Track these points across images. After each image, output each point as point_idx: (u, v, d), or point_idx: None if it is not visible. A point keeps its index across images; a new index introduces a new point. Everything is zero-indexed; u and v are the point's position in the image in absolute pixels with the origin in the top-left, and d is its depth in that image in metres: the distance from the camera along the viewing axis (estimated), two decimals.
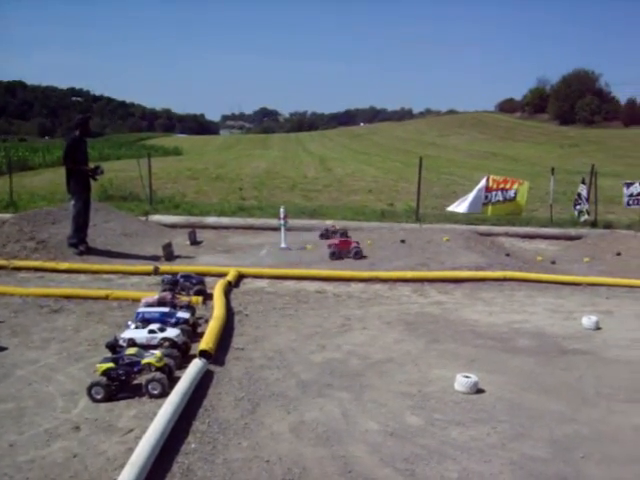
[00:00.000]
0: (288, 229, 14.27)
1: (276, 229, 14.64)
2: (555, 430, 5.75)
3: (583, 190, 18.30)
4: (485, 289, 11.01)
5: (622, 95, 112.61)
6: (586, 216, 18.09)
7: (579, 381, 7.01)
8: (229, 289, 10.21)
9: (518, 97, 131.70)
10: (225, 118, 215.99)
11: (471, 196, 16.95)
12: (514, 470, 5.02)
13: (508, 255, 13.34)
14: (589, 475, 5.03)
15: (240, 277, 11.08)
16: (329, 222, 16.46)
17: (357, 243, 13.42)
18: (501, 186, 17.25)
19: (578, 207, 18.37)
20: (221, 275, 10.79)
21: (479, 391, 6.46)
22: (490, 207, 17.17)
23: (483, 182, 17.10)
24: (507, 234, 15.97)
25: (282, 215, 13.92)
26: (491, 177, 17.44)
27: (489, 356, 7.67)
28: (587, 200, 18.25)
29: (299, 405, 6.02)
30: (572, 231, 16.93)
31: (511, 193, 17.27)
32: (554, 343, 8.33)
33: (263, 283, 10.95)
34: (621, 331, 9.04)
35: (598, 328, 8.98)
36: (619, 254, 13.74)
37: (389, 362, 7.30)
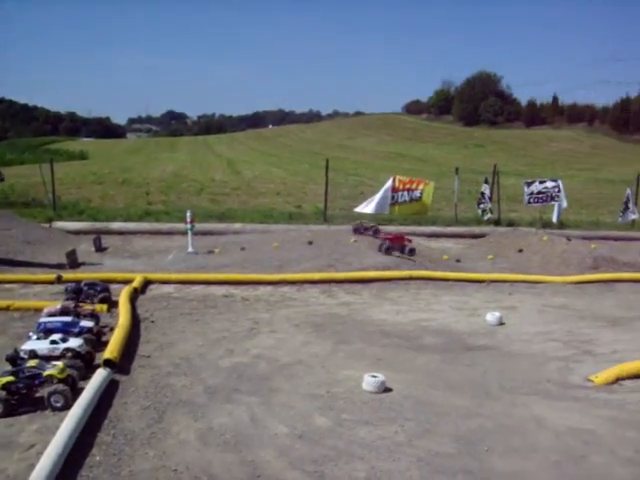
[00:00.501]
0: (195, 233, 14.08)
1: (184, 233, 14.43)
2: (460, 425, 5.86)
3: (486, 189, 18.74)
4: (392, 289, 11.14)
5: (523, 97, 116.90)
6: (489, 214, 18.54)
7: (483, 376, 7.17)
8: (135, 296, 9.98)
9: (424, 99, 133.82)
10: (132, 121, 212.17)
11: (378, 197, 17.04)
12: (421, 466, 5.09)
13: (415, 254, 13.52)
14: (493, 467, 5.14)
15: (147, 283, 10.86)
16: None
17: (410, 241, 13.75)
18: (407, 186, 17.42)
19: (482, 206, 18.80)
20: (127, 282, 10.54)
21: (387, 390, 6.52)
22: (397, 207, 17.30)
23: (389, 183, 17.23)
24: (413, 233, 16.12)
25: (189, 219, 13.71)
26: (397, 178, 17.58)
27: (396, 355, 7.76)
28: (490, 199, 18.70)
29: (207, 411, 5.94)
30: (476, 229, 17.31)
31: (417, 193, 17.46)
32: (459, 340, 8.50)
33: (170, 288, 10.76)
34: (523, 326, 9.31)
35: (501, 324, 9.21)
36: (521, 251, 14.12)
37: (297, 364, 7.29)
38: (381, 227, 15.81)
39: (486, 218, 18.50)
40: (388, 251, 13.16)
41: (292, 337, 8.33)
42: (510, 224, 18.25)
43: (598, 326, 9.49)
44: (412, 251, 13.27)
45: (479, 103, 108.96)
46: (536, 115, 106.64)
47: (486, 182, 19.00)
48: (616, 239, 17.46)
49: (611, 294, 11.71)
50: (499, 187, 19.30)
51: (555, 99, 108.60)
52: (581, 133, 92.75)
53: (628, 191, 19.85)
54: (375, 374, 6.62)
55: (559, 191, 18.86)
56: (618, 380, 7.14)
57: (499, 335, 8.78)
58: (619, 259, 13.74)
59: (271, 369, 7.12)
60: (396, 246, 13.34)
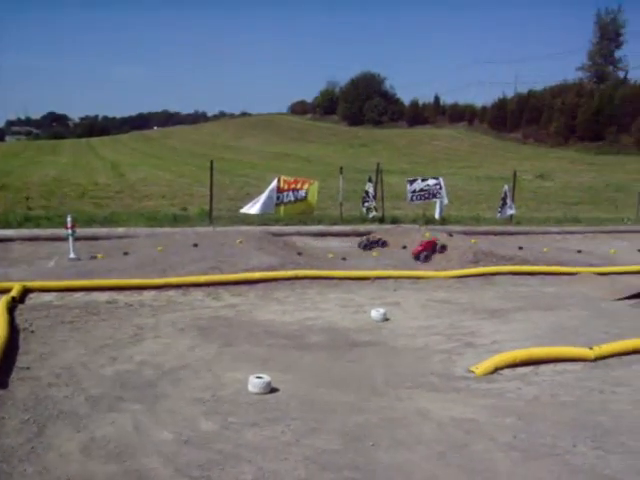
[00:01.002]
0: (77, 239, 13.68)
1: (66, 239, 13.99)
2: (347, 421, 5.91)
3: (370, 188, 19.06)
4: (278, 289, 11.14)
5: (406, 97, 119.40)
6: (374, 213, 18.87)
7: (369, 372, 7.27)
8: (13, 305, 9.58)
9: (309, 99, 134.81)
10: (10, 124, 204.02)
11: (263, 197, 17.09)
12: (308, 465, 5.10)
13: (300, 254, 13.62)
14: (379, 461, 5.22)
15: (26, 292, 10.44)
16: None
17: (436, 238, 14.53)
18: (292, 186, 17.54)
19: (366, 204, 19.12)
20: (5, 291, 10.11)
21: (273, 390, 6.50)
22: (282, 207, 17.41)
23: (274, 183, 17.31)
24: (299, 233, 16.27)
25: (69, 224, 13.31)
26: (282, 178, 17.68)
27: (282, 355, 7.77)
28: (374, 197, 19.03)
29: (89, 422, 5.76)
30: (361, 227, 17.55)
31: (302, 193, 17.62)
32: (345, 337, 8.59)
33: (51, 297, 10.37)
34: (407, 320, 9.51)
35: (386, 319, 9.38)
36: (404, 247, 14.42)
37: (183, 369, 7.18)
38: (266, 228, 15.83)
39: (371, 216, 18.82)
40: (427, 259, 13.83)
41: (177, 342, 8.20)
42: (394, 221, 18.62)
43: (479, 318, 9.80)
44: (443, 247, 14.20)
45: (363, 103, 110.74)
46: (419, 115, 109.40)
47: (370, 181, 19.32)
48: (495, 234, 18.12)
49: (491, 287, 12.12)
50: (382, 185, 19.65)
51: (437, 99, 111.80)
52: (462, 132, 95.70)
53: (505, 187, 20.63)
54: (261, 375, 6.60)
55: (440, 188, 19.41)
56: (497, 370, 7.39)
57: (384, 331, 8.93)
58: (498, 253, 14.24)
59: (156, 375, 6.98)
60: (430, 250, 13.99)
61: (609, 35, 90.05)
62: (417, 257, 13.79)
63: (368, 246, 15.14)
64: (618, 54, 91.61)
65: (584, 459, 5.42)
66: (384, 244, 15.15)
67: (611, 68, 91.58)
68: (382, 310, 9.44)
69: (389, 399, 6.49)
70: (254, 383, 6.48)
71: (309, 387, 6.73)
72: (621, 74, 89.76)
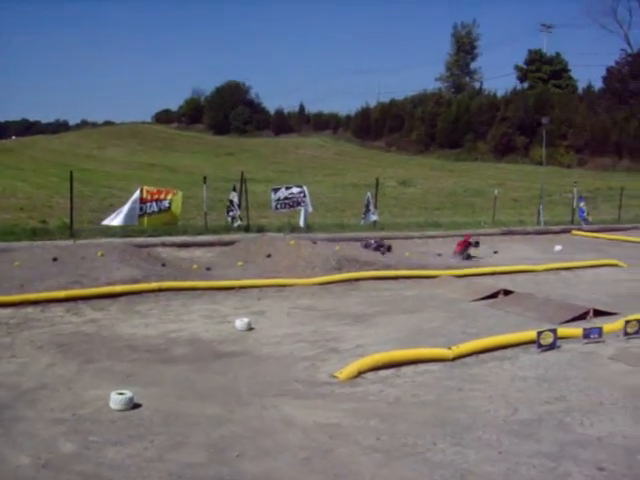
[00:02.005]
0: None
1: None
2: (212, 434, 5.86)
3: (235, 197, 19.01)
4: (141, 302, 10.90)
5: (271, 106, 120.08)
6: (239, 222, 18.81)
7: (234, 382, 7.24)
8: None
9: (174, 108, 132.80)
10: None
11: (126, 208, 16.75)
12: (172, 479, 5.02)
13: (164, 265, 13.41)
14: (244, 471, 5.19)
15: None
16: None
17: (468, 236, 17.27)
18: (155, 197, 17.28)
19: (231, 213, 19.04)
20: None
21: (135, 406, 6.35)
22: (146, 218, 17.11)
23: (137, 194, 16.99)
24: (164, 244, 16.00)
25: None
26: (145, 188, 17.37)
27: (145, 369, 7.61)
28: (239, 206, 18.99)
29: None
30: (226, 237, 17.43)
31: (165, 203, 17.38)
32: (209, 348, 8.52)
33: None
34: (272, 329, 9.54)
35: (251, 329, 9.37)
36: (269, 256, 14.44)
37: (41, 389, 6.89)
38: (130, 239, 15.48)
39: (236, 225, 18.76)
40: (469, 257, 16.32)
41: (35, 360, 7.86)
42: (260, 230, 18.63)
43: (343, 324, 9.96)
44: (477, 243, 16.71)
45: (229, 112, 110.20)
46: (284, 123, 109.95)
47: (234, 190, 19.27)
48: (359, 240, 18.43)
49: (354, 292, 12.35)
50: (247, 194, 19.64)
51: (302, 108, 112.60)
52: (327, 140, 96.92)
53: (368, 194, 21.10)
54: (123, 391, 6.43)
55: (305, 196, 19.61)
56: (360, 374, 7.53)
57: (249, 340, 8.92)
58: (361, 258, 14.53)
59: (12, 397, 6.65)
60: (465, 248, 16.52)
61: (465, 48, 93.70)
62: (461, 254, 16.23)
63: (377, 248, 16.61)
64: (474, 65, 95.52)
65: (443, 455, 5.61)
66: (389, 249, 16.84)
67: (467, 79, 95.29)
68: (246, 319, 9.44)
69: (254, 408, 6.48)
70: (116, 400, 6.31)
71: (173, 401, 6.62)
72: (477, 84, 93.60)
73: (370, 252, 15.73)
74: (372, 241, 17.10)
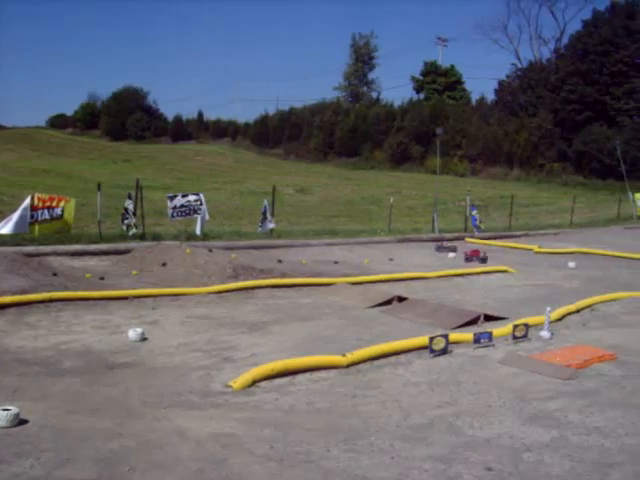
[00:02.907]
0: None
1: None
2: (102, 448, 5.70)
3: (130, 204, 18.65)
4: (30, 313, 10.51)
5: (169, 112, 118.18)
6: (134, 230, 18.47)
7: (125, 394, 7.09)
8: None
9: (70, 112, 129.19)
10: None
11: (16, 216, 16.22)
12: None
13: (55, 275, 13.02)
14: None
15: None
16: None
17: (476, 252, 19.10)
18: (47, 204, 16.81)
19: (126, 221, 18.67)
20: None
21: (22, 422, 6.11)
22: (37, 226, 16.63)
23: (27, 201, 16.48)
24: (56, 253, 15.52)
25: None
26: (36, 195, 16.88)
27: (34, 383, 7.36)
28: (134, 214, 18.65)
29: None
30: (121, 245, 17.06)
31: (58, 211, 16.93)
32: (101, 360, 8.32)
33: None
34: (167, 339, 9.40)
35: (144, 339, 9.20)
36: (165, 265, 14.25)
37: None
38: (20, 248, 14.98)
39: (131, 233, 18.41)
40: (484, 261, 18.42)
41: None
42: (155, 238, 18.33)
43: (238, 332, 9.92)
44: (484, 259, 18.46)
45: (126, 118, 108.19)
46: (182, 130, 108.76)
47: (129, 197, 18.92)
48: (256, 248, 18.43)
49: (250, 301, 12.31)
50: (143, 202, 19.32)
51: (200, 115, 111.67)
52: (226, 148, 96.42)
53: (265, 202, 21.10)
54: (8, 407, 6.19)
55: (201, 204, 19.46)
56: (255, 382, 7.51)
57: (142, 351, 8.75)
58: (257, 267, 14.52)
59: None
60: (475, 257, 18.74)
61: (363, 58, 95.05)
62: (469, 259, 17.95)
63: (441, 248, 18.97)
64: (371, 76, 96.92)
65: (337, 462, 5.65)
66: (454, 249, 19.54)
67: (365, 89, 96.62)
68: (140, 330, 9.26)
69: (146, 421, 6.36)
70: (0, 416, 6.06)
71: (62, 415, 6.42)
72: (374, 94, 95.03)
73: (267, 261, 15.70)
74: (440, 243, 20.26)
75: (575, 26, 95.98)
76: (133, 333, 9.19)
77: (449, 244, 19.60)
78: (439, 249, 20.05)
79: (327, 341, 9.64)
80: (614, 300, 13.22)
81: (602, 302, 12.94)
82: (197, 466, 5.45)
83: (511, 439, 6.31)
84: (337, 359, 8.34)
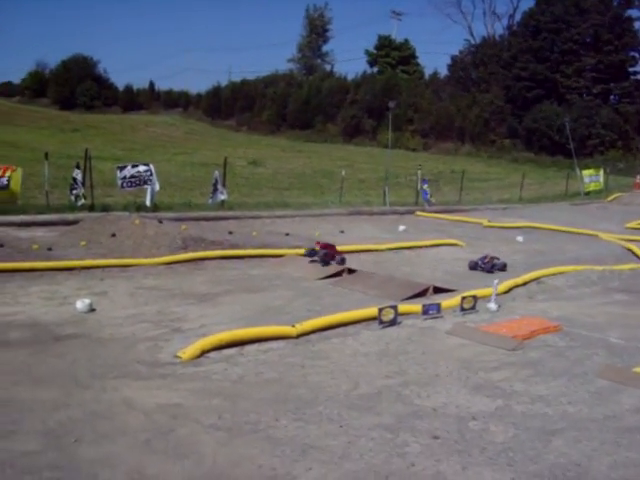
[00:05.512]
0: None
1: None
2: (48, 420, 5.66)
3: (78, 175, 18.30)
4: None
5: (120, 82, 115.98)
6: (83, 200, 18.15)
7: (73, 366, 7.02)
8: None
9: (17, 81, 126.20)
10: None
11: None
12: (4, 470, 4.82)
13: (1, 246, 12.76)
14: (81, 457, 5.07)
15: None
16: None
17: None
18: None
19: (75, 192, 18.33)
20: None
21: None
22: None
23: None
24: (1, 223, 15.15)
25: None
26: None
27: None
28: (83, 184, 18.33)
29: None
30: (70, 216, 16.75)
31: (3, 180, 16.58)
32: (48, 331, 8.20)
33: None
34: (116, 310, 9.32)
35: (92, 310, 9.10)
36: (114, 235, 14.05)
37: None
38: None
39: (79, 204, 18.09)
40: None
41: None
42: (105, 209, 18.05)
43: (187, 303, 9.87)
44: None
45: (75, 87, 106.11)
46: (133, 100, 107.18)
47: (78, 167, 18.59)
48: (207, 219, 18.30)
49: (200, 272, 12.24)
50: (92, 172, 19.02)
51: (152, 85, 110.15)
52: (177, 118, 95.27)
53: (216, 173, 20.91)
54: None
55: (151, 175, 19.21)
56: (203, 353, 7.51)
57: (89, 322, 8.65)
58: (207, 238, 14.45)
59: None
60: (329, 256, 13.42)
61: (317, 30, 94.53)
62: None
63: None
64: (325, 48, 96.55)
65: (286, 431, 5.71)
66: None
67: (319, 61, 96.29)
68: (87, 301, 9.15)
69: (93, 392, 6.33)
70: None
71: (7, 386, 6.35)
72: (328, 67, 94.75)
73: (217, 232, 15.57)
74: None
75: (528, 3, 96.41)
76: (81, 304, 9.07)
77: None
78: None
79: (277, 312, 9.66)
80: (560, 274, 13.49)
81: (548, 275, 13.20)
82: (144, 436, 5.45)
83: (457, 408, 6.42)
84: (286, 330, 8.37)
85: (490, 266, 14.14)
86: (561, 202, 32.40)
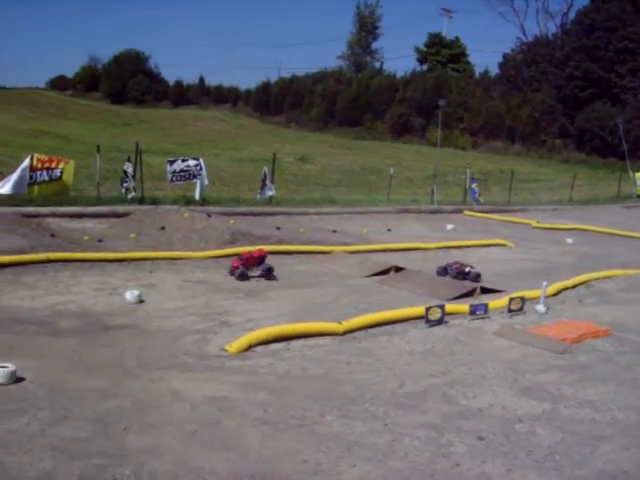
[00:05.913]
0: None
1: None
2: (97, 407, 5.75)
3: (129, 168, 18.56)
4: (28, 273, 10.52)
5: (170, 77, 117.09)
6: (133, 193, 18.39)
7: (122, 355, 7.13)
8: None
9: (70, 74, 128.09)
10: None
11: (15, 176, 16.15)
12: (55, 455, 4.90)
13: (53, 236, 13.01)
14: (129, 445, 5.14)
15: None
16: None
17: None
18: (46, 165, 16.75)
19: (125, 185, 18.59)
20: None
21: (19, 380, 6.16)
22: (36, 187, 16.57)
23: (27, 162, 16.41)
24: (54, 214, 15.47)
25: None
26: (35, 156, 16.81)
27: (31, 342, 7.39)
28: (133, 177, 18.58)
29: None
30: (120, 208, 17.02)
31: (57, 172, 16.87)
32: (98, 321, 8.35)
33: None
34: (163, 302, 9.43)
35: (141, 301, 9.23)
36: (163, 228, 14.24)
37: None
38: (19, 209, 14.94)
39: (130, 197, 18.35)
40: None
41: None
42: (154, 202, 18.27)
43: (235, 297, 9.96)
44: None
45: (127, 81, 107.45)
46: (183, 95, 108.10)
47: (129, 161, 18.84)
48: (255, 214, 18.42)
49: None
50: (142, 165, 19.26)
51: (202, 80, 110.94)
52: (227, 114, 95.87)
53: (265, 169, 21.02)
54: (5, 364, 6.22)
55: (201, 169, 19.39)
56: (250, 347, 7.56)
57: (138, 313, 8.79)
58: (255, 233, 14.54)
59: None
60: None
61: (367, 27, 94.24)
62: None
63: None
64: (375, 45, 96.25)
65: (330, 427, 5.71)
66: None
67: (368, 58, 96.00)
68: (137, 292, 9.29)
69: (141, 382, 6.41)
70: None
71: (58, 374, 6.47)
72: (377, 64, 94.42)
73: (265, 228, 15.65)
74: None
75: (583, 1, 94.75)
76: (130, 295, 9.21)
77: None
78: None
79: (323, 309, 9.68)
80: (609, 277, 13.26)
81: (598, 279, 12.99)
82: (191, 428, 5.50)
83: (503, 410, 6.36)
84: (333, 326, 8.38)
85: (457, 272, 12.63)
86: (612, 204, 31.84)
